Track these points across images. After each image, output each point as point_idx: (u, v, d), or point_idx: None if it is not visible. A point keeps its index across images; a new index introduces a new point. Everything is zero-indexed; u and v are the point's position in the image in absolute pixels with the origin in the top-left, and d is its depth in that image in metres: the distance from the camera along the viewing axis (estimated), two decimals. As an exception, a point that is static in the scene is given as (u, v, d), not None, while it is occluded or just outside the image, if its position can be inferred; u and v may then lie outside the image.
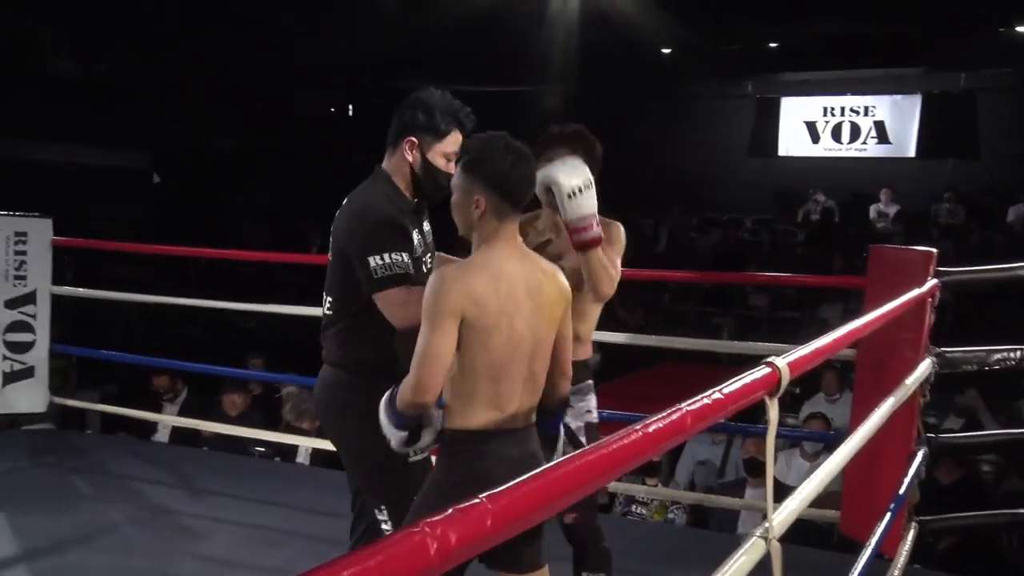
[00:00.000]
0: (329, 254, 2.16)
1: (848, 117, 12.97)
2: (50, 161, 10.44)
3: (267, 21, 11.29)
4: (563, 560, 2.34)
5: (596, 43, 11.25)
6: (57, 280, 4.51)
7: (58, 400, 4.57)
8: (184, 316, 9.08)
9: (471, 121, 2.16)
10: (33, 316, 4.38)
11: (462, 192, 1.85)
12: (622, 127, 10.90)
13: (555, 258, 2.34)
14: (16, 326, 4.36)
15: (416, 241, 2.12)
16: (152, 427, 5.37)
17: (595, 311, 2.41)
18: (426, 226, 2.22)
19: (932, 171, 12.00)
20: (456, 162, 1.93)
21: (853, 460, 1.98)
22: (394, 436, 1.88)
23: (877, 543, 2.35)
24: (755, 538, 1.35)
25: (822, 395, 5.79)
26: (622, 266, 2.51)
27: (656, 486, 4.62)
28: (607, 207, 2.38)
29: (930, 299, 2.87)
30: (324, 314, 2.18)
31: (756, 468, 4.43)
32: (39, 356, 4.41)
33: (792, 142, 13.31)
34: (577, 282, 2.28)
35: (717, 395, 1.15)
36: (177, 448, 4.94)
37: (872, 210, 11.28)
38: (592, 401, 2.40)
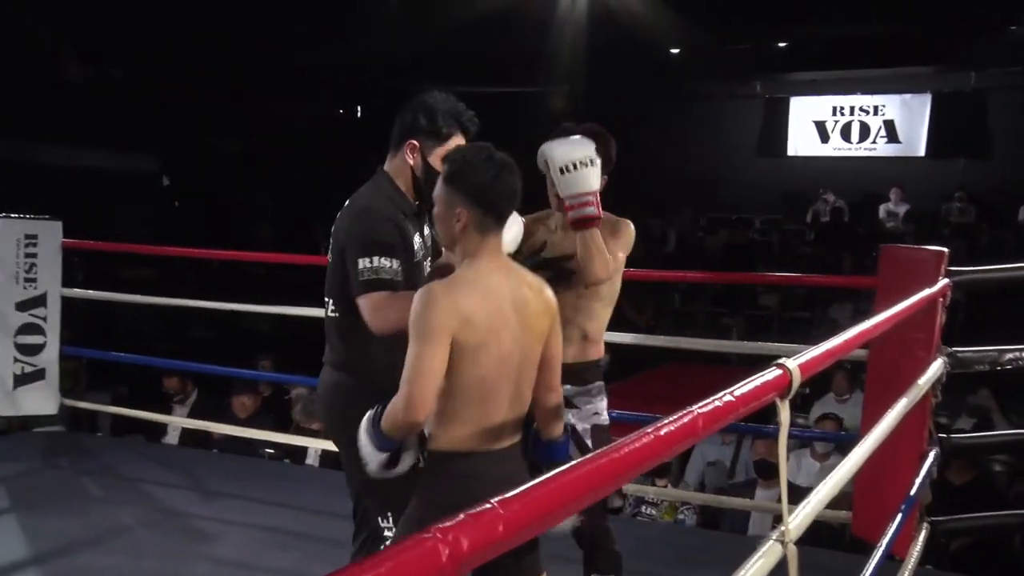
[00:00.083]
0: (329, 256, 2.14)
1: (858, 116, 12.92)
2: (60, 164, 10.49)
3: (275, 23, 11.31)
4: (573, 562, 2.34)
5: (604, 43, 11.23)
6: (67, 282, 4.53)
7: (69, 402, 4.59)
8: (194, 318, 9.12)
9: (474, 125, 2.14)
10: (44, 318, 4.40)
11: (444, 205, 1.80)
12: (630, 127, 10.83)
13: (563, 256, 2.33)
14: (27, 328, 4.38)
15: (416, 245, 2.11)
16: (162, 429, 5.38)
17: (603, 310, 2.37)
18: (427, 229, 2.21)
19: (942, 171, 11.94)
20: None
21: (865, 461, 1.97)
22: (373, 459, 1.82)
23: (889, 544, 2.34)
24: (771, 541, 1.34)
25: (832, 395, 5.77)
26: (631, 266, 2.49)
27: (666, 487, 4.61)
28: (615, 207, 2.38)
29: (941, 299, 2.86)
30: (326, 316, 2.16)
31: (767, 469, 4.42)
32: (50, 358, 4.42)
33: (801, 142, 13.27)
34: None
35: (728, 397, 1.14)
36: (187, 450, 4.95)
37: (882, 210, 11.24)
38: (602, 403, 2.36)
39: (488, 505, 0.70)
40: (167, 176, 12.95)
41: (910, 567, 2.65)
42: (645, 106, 12.93)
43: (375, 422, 1.79)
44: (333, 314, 2.14)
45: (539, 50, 11.54)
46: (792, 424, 1.44)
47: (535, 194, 2.52)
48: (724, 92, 13.45)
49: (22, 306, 4.36)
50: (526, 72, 12.16)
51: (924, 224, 10.36)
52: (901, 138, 12.67)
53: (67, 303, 4.52)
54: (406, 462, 1.85)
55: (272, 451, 4.83)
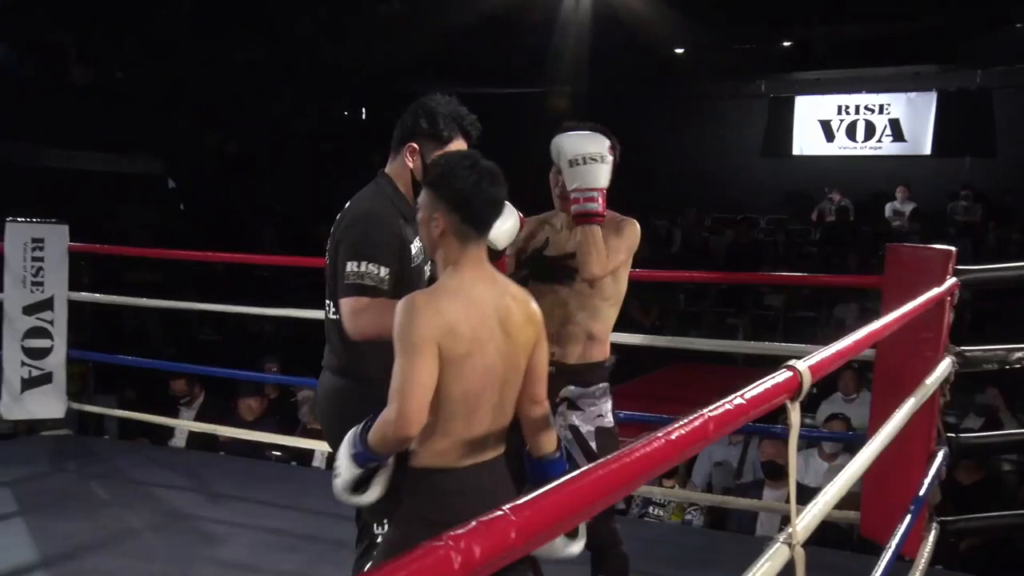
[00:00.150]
0: (327, 258, 2.11)
1: (863, 115, 12.89)
2: (65, 167, 10.52)
3: (280, 25, 11.33)
4: (580, 563, 2.33)
5: (609, 44, 11.23)
6: (73, 286, 4.53)
7: (76, 406, 4.60)
8: (200, 320, 9.14)
9: (476, 129, 2.12)
10: (51, 322, 4.41)
11: (425, 209, 1.77)
12: (635, 127, 10.83)
13: (565, 255, 2.32)
14: (34, 332, 4.39)
15: (416, 249, 2.08)
16: (169, 432, 5.39)
17: (609, 309, 2.35)
18: None
19: (948, 169, 11.91)
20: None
21: (873, 461, 1.96)
22: (346, 473, 1.78)
23: (899, 544, 2.33)
24: (779, 544, 1.34)
25: (839, 395, 5.75)
26: (636, 266, 2.49)
27: (673, 488, 4.60)
28: (620, 207, 2.37)
29: (949, 298, 2.85)
30: (326, 319, 2.14)
31: (775, 471, 4.41)
32: (57, 362, 4.43)
33: (806, 141, 13.24)
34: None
35: (739, 400, 1.13)
36: (194, 453, 4.96)
37: (888, 208, 11.22)
38: (606, 405, 2.34)
39: (500, 512, 0.70)
40: (172, 179, 12.97)
41: (921, 567, 2.64)
42: (650, 106, 12.92)
43: (362, 435, 1.75)
44: (334, 316, 2.13)
45: (544, 51, 11.55)
46: (800, 424, 1.43)
47: (537, 195, 2.52)
48: (729, 92, 13.43)
49: (29, 310, 4.37)
50: (531, 73, 12.16)
51: (930, 223, 10.33)
52: (907, 137, 12.64)
53: (74, 306, 4.53)
54: (374, 491, 1.81)
55: (279, 453, 4.84)
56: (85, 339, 5.63)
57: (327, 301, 2.14)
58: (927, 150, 12.54)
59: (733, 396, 1.14)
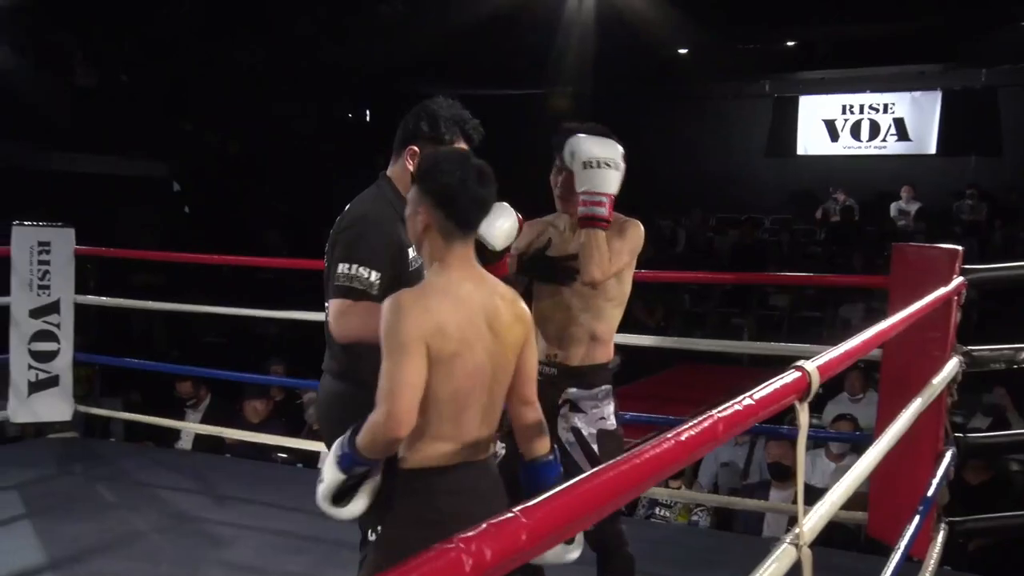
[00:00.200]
0: (326, 260, 2.10)
1: (867, 115, 12.86)
2: (70, 170, 10.54)
3: (284, 27, 11.34)
4: (587, 564, 2.32)
5: (612, 44, 11.22)
6: (80, 289, 4.54)
7: (82, 408, 4.61)
8: (205, 323, 9.15)
9: (479, 133, 2.11)
10: (57, 325, 4.42)
11: (410, 204, 1.76)
12: (639, 128, 10.85)
13: (567, 256, 2.31)
14: (41, 335, 4.40)
15: (413, 254, 2.05)
16: (175, 434, 5.40)
17: (612, 310, 2.34)
18: None
19: (953, 168, 11.88)
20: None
21: (880, 461, 1.95)
22: (329, 478, 1.76)
23: (907, 545, 2.32)
24: (786, 544, 1.33)
25: (845, 395, 5.74)
26: (641, 267, 2.48)
27: (680, 488, 4.59)
28: (625, 207, 2.36)
29: (956, 297, 2.84)
30: (326, 322, 2.11)
31: (781, 472, 4.39)
32: (63, 365, 4.44)
33: (811, 141, 13.22)
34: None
35: (748, 401, 1.13)
36: (200, 455, 4.96)
37: (893, 208, 11.19)
38: (608, 407, 2.32)
39: (511, 514, 0.70)
40: (177, 182, 12.99)
41: (930, 568, 2.63)
42: (653, 107, 12.91)
43: (350, 439, 1.72)
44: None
45: (547, 52, 11.54)
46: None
47: (538, 196, 2.52)
48: (733, 92, 13.41)
49: (36, 313, 4.38)
50: (533, 74, 12.15)
51: (935, 222, 10.31)
52: (911, 136, 12.61)
53: (80, 309, 4.54)
54: (359, 503, 1.79)
55: (285, 455, 4.84)
56: (91, 342, 5.64)
57: (326, 303, 2.14)
58: (932, 149, 12.51)
59: (742, 397, 1.13)
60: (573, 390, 2.31)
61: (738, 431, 1.13)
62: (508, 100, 11.95)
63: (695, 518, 4.59)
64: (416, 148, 2.08)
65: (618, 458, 0.86)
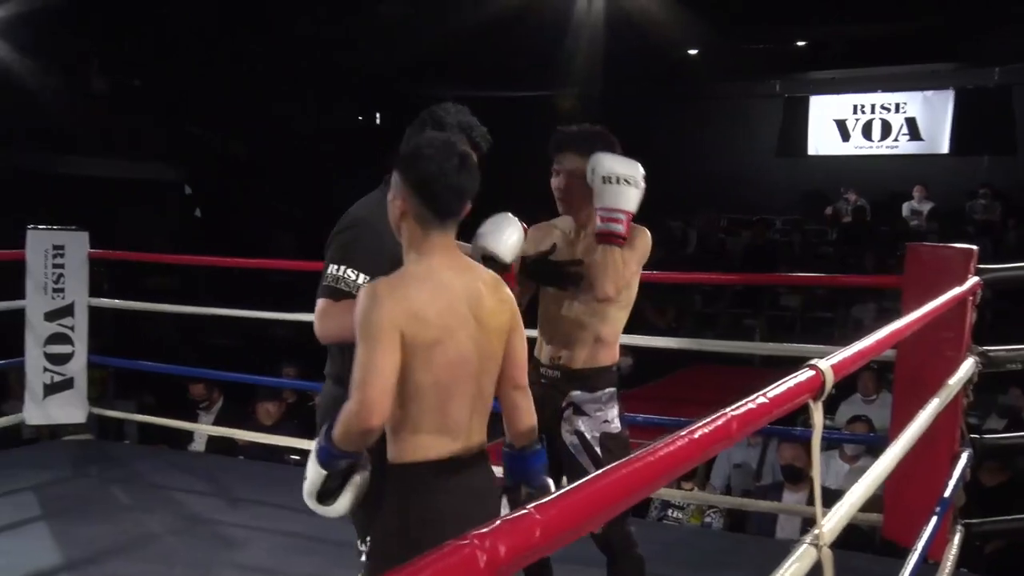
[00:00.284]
0: (325, 261, 2.10)
1: (879, 114, 12.80)
2: (83, 174, 10.61)
3: (294, 30, 11.39)
4: (596, 566, 2.32)
5: (621, 45, 11.21)
6: (94, 292, 4.57)
7: (97, 411, 4.64)
8: (218, 325, 9.19)
9: (486, 141, 2.09)
10: (71, 328, 4.45)
11: (392, 188, 1.74)
12: (649, 129, 10.85)
13: (570, 261, 2.30)
14: (55, 338, 4.42)
15: None
16: (188, 436, 5.42)
17: (617, 313, 2.32)
18: None
19: (966, 167, 11.80)
20: None
21: (897, 463, 1.94)
22: (313, 474, 1.74)
23: (925, 547, 2.30)
24: (806, 545, 1.33)
25: (859, 396, 5.71)
26: (652, 268, 2.47)
27: (692, 490, 4.58)
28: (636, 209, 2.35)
29: (971, 297, 2.82)
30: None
31: (794, 474, 4.36)
32: (78, 367, 4.47)
33: (822, 141, 13.17)
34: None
35: (762, 399, 1.12)
36: (213, 457, 4.98)
37: (905, 208, 11.14)
38: (612, 410, 2.30)
39: (525, 510, 0.69)
40: (189, 185, 13.07)
41: (947, 570, 2.61)
42: (664, 107, 12.89)
43: (327, 431, 1.69)
44: None
45: (556, 53, 11.54)
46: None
47: (542, 198, 2.51)
48: (743, 92, 13.38)
49: (51, 316, 4.41)
50: (542, 75, 12.15)
51: (948, 222, 10.25)
52: (924, 135, 12.54)
53: (94, 312, 4.57)
54: (344, 501, 1.77)
55: (297, 457, 4.84)
56: (105, 344, 5.67)
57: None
58: (944, 148, 12.44)
59: (756, 395, 1.13)
60: (577, 393, 2.30)
61: (752, 430, 1.12)
62: (515, 102, 11.95)
63: (708, 520, 4.57)
64: None
65: (632, 455, 0.86)
